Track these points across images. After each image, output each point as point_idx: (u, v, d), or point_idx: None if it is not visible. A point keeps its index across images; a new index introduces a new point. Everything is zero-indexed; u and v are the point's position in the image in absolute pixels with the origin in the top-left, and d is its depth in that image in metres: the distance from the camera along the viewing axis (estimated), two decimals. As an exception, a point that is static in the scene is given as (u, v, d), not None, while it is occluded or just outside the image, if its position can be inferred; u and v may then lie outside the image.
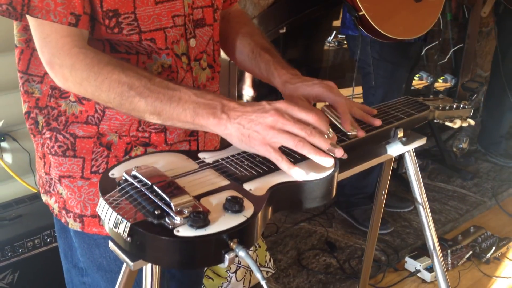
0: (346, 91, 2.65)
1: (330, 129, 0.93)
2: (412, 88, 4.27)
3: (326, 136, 0.91)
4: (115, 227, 0.78)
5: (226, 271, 2.24)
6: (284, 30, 2.57)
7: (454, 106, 1.22)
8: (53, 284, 1.90)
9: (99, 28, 0.98)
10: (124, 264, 0.93)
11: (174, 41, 1.04)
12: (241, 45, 1.21)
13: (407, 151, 1.18)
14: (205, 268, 2.15)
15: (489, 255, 2.53)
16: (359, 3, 2.12)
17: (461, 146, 3.37)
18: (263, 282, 0.77)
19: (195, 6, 1.06)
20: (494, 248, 2.56)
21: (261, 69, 1.17)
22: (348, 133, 1.03)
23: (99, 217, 0.92)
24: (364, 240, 2.64)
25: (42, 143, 1.10)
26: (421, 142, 1.18)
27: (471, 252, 2.53)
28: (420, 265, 2.43)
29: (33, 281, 1.89)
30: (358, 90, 2.66)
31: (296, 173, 0.88)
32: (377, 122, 1.07)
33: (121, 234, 0.78)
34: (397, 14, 2.23)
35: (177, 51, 1.04)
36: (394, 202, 2.91)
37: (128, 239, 0.78)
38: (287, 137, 0.88)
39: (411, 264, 2.47)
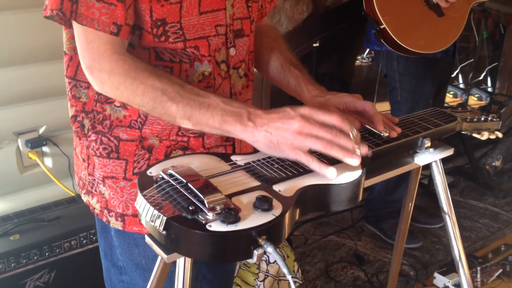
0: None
1: (353, 128, 0.97)
2: (446, 105, 4.26)
3: (350, 135, 0.96)
4: (152, 221, 0.83)
5: (255, 279, 2.27)
6: (318, 44, 2.62)
7: (482, 119, 1.24)
8: (87, 284, 1.97)
9: (146, 36, 1.04)
10: (158, 258, 0.99)
11: (216, 49, 1.09)
12: (270, 59, 1.26)
13: (434, 161, 1.21)
14: (235, 273, 2.19)
15: (519, 273, 2.51)
16: (380, 16, 2.15)
17: (494, 164, 3.34)
18: (289, 277, 0.81)
19: (235, 17, 1.12)
20: (524, 267, 2.54)
21: (290, 83, 1.22)
22: (381, 134, 1.08)
23: (139, 215, 0.98)
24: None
25: (87, 145, 1.16)
26: (448, 152, 1.21)
27: (501, 270, 2.51)
28: (449, 282, 2.42)
29: (69, 281, 1.96)
30: (386, 106, 2.68)
31: (328, 172, 0.93)
32: (398, 129, 1.11)
33: (157, 228, 0.83)
34: (418, 28, 2.25)
35: (217, 58, 1.10)
36: (424, 217, 2.90)
37: (164, 232, 0.82)
38: (315, 141, 0.92)
39: (440, 280, 2.46)
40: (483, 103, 4.18)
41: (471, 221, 2.95)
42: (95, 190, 1.17)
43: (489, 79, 4.18)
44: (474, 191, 3.27)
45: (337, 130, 0.94)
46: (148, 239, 0.90)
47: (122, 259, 1.22)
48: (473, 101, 4.35)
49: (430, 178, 3.23)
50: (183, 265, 0.93)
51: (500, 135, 1.27)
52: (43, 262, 1.91)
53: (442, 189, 1.23)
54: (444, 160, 3.68)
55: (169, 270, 1.03)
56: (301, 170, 0.96)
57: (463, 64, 4.34)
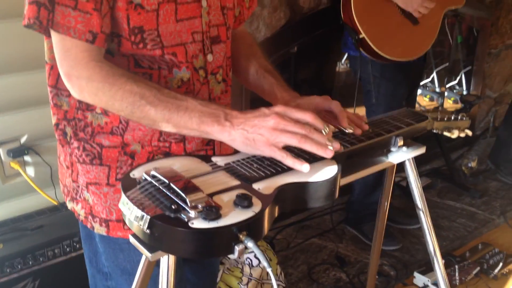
0: (352, 111, 2.73)
1: (326, 125, 1.02)
2: (423, 109, 4.35)
3: (323, 132, 1.01)
4: (136, 221, 0.86)
5: (238, 283, 2.30)
6: (295, 50, 2.67)
7: (452, 118, 1.30)
8: (71, 292, 1.99)
9: (125, 44, 1.07)
10: (142, 259, 1.02)
11: (194, 55, 1.13)
12: (246, 65, 1.31)
13: (408, 160, 1.26)
14: (219, 278, 2.22)
15: (496, 271, 2.56)
16: (359, 26, 2.22)
17: (470, 165, 3.42)
18: (269, 270, 0.85)
19: (211, 24, 1.15)
20: (501, 264, 2.60)
21: (265, 89, 1.28)
22: (346, 130, 1.13)
23: (123, 221, 1.00)
24: (373, 256, 2.69)
25: (70, 152, 1.18)
26: (420, 151, 1.25)
27: (478, 268, 2.56)
28: (428, 280, 2.46)
29: (53, 289, 1.97)
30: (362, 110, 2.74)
31: (302, 167, 0.97)
32: (364, 126, 1.17)
33: (141, 227, 0.86)
34: (395, 36, 2.32)
35: (195, 65, 1.13)
36: (403, 218, 2.96)
37: (148, 231, 0.85)
38: (290, 136, 0.97)
39: (419, 279, 2.51)
40: (458, 106, 4.27)
41: (449, 221, 3.01)
42: (79, 197, 1.19)
43: (464, 82, 4.27)
44: (451, 192, 3.34)
45: (310, 127, 0.98)
46: (132, 239, 0.93)
47: (108, 265, 1.24)
48: (449, 104, 4.44)
49: (408, 179, 3.29)
50: (167, 264, 0.96)
51: (469, 133, 1.32)
52: (27, 271, 1.91)
53: (416, 186, 1.28)
54: (421, 162, 3.77)
55: (154, 273, 1.05)
56: (280, 169, 1.00)
57: (438, 68, 4.43)
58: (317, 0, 2.71)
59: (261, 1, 2.50)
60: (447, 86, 4.45)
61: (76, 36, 1.01)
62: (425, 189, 3.36)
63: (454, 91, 4.38)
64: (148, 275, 1.02)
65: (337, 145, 1.01)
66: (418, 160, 3.54)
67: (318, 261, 2.65)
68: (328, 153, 0.99)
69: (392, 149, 1.21)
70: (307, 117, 1.00)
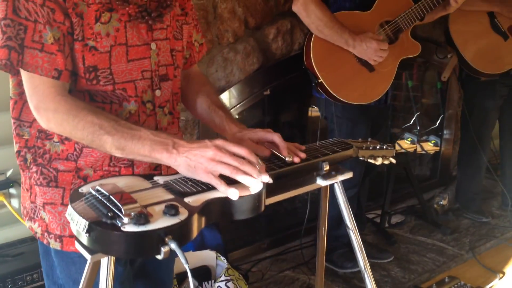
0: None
1: (259, 160, 1.17)
2: (404, 151, 4.52)
3: (257, 165, 1.15)
4: (77, 226, 1.02)
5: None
6: (268, 93, 2.86)
7: (378, 147, 1.46)
8: (47, 315, 2.10)
9: (80, 81, 1.24)
10: (87, 262, 1.16)
11: (143, 90, 1.30)
12: (199, 102, 1.48)
13: (336, 183, 1.41)
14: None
15: (462, 303, 2.68)
16: (317, 72, 2.43)
17: (441, 203, 3.57)
18: (186, 266, 1.00)
19: (160, 64, 1.33)
20: (466, 296, 2.71)
21: (216, 122, 1.44)
22: (286, 159, 1.29)
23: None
24: (343, 287, 2.81)
25: (29, 176, 1.33)
26: (347, 175, 1.41)
27: (444, 300, 2.68)
28: (394, 311, 2.58)
29: (30, 312, 2.09)
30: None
31: (232, 194, 1.11)
32: (302, 155, 1.32)
33: (82, 231, 1.01)
34: (352, 82, 2.51)
35: (144, 99, 1.30)
36: (375, 253, 3.08)
37: (87, 234, 1.00)
38: (224, 167, 1.12)
39: (386, 310, 2.62)
40: (437, 148, 4.44)
41: (419, 256, 3.13)
42: (37, 216, 1.33)
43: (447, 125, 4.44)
44: (423, 229, 3.47)
45: (244, 160, 1.14)
46: (77, 244, 1.08)
47: (62, 277, 1.37)
48: (429, 147, 4.60)
49: (383, 217, 3.44)
50: (106, 265, 1.10)
51: (393, 161, 1.48)
52: (6, 294, 2.05)
53: (345, 207, 1.42)
54: (397, 201, 3.91)
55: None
56: (211, 186, 1.16)
57: (418, 113, 4.61)
58: (289, 47, 2.92)
59: (235, 47, 2.71)
60: (428, 130, 4.62)
61: (43, 74, 1.18)
62: (398, 225, 3.50)
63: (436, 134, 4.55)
64: (92, 278, 1.16)
65: (266, 178, 1.14)
66: (394, 199, 3.70)
67: (290, 292, 2.76)
68: (256, 185, 1.12)
69: (320, 172, 1.37)
70: (242, 151, 1.15)
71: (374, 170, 3.02)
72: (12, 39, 1.15)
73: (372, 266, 2.98)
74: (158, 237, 0.99)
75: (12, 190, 2.33)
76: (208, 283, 2.56)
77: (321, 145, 1.43)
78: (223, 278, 2.48)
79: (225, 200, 1.13)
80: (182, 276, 2.56)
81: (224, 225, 2.94)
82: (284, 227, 3.31)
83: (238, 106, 2.77)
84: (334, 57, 2.47)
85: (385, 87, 2.59)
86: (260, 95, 2.86)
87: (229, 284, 2.46)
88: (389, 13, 2.55)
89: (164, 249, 0.99)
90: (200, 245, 2.72)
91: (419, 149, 4.54)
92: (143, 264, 1.50)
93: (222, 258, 2.63)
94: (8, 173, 2.31)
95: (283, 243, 3.20)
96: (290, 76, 2.91)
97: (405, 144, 4.73)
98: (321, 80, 2.41)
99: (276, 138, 1.34)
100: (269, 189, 1.22)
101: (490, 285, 2.89)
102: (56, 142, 1.28)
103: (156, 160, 1.18)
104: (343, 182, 2.69)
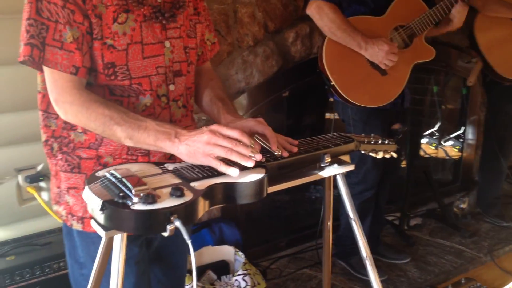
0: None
1: (252, 141, 1.26)
2: (428, 156, 4.55)
3: (250, 146, 1.24)
4: (93, 205, 1.13)
5: (226, 303, 2.50)
6: (287, 94, 2.95)
7: (379, 141, 1.53)
8: (72, 301, 2.23)
9: (100, 77, 1.35)
10: (102, 239, 1.27)
11: (158, 85, 1.40)
12: (204, 95, 1.58)
13: (339, 175, 1.49)
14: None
15: (477, 303, 2.71)
16: (329, 75, 2.51)
17: (461, 206, 3.59)
18: (188, 242, 1.09)
19: (174, 61, 1.43)
20: (483, 297, 2.74)
21: (214, 113, 1.53)
22: (275, 153, 1.35)
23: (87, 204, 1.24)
24: (360, 286, 2.87)
25: (55, 163, 1.45)
26: (349, 167, 1.48)
27: (459, 301, 2.71)
28: (409, 309, 2.62)
29: (56, 298, 2.22)
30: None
31: (232, 172, 1.21)
32: (293, 149, 1.38)
33: (96, 209, 1.12)
34: (363, 85, 2.57)
35: (159, 92, 1.41)
36: (392, 254, 3.13)
37: (101, 212, 1.11)
38: (219, 149, 1.22)
39: (401, 308, 2.67)
40: (459, 154, 4.45)
41: (437, 258, 3.16)
42: (62, 200, 1.45)
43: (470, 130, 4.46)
44: (443, 231, 3.50)
45: (237, 141, 1.23)
46: (92, 222, 1.19)
47: (82, 256, 1.48)
48: (454, 152, 4.62)
49: (402, 219, 3.48)
50: (119, 241, 1.21)
51: (394, 155, 1.55)
52: (35, 281, 2.17)
53: (347, 198, 1.50)
54: (418, 204, 3.95)
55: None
56: (216, 172, 1.25)
57: (441, 118, 4.63)
58: (308, 50, 3.01)
59: (255, 50, 2.82)
60: (454, 135, 4.64)
61: (62, 70, 1.29)
62: (417, 228, 3.53)
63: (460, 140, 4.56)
64: (107, 254, 1.27)
65: (259, 156, 1.23)
66: (414, 202, 3.72)
67: (307, 289, 2.84)
68: (249, 164, 1.21)
69: (323, 164, 1.45)
70: (235, 133, 1.24)
71: (394, 174, 3.06)
72: (34, 38, 1.27)
73: (389, 266, 3.04)
74: (164, 216, 1.09)
75: (42, 184, 2.46)
76: (226, 277, 2.66)
77: (323, 138, 1.51)
78: (240, 272, 2.57)
79: (228, 185, 1.22)
80: (201, 270, 2.67)
81: (244, 223, 3.03)
82: (303, 227, 3.39)
83: (257, 107, 2.87)
84: (347, 61, 2.54)
85: (397, 91, 2.63)
86: (279, 97, 2.95)
87: (246, 278, 2.55)
88: (403, 18, 2.61)
89: (169, 227, 1.09)
90: (219, 240, 2.83)
91: (441, 153, 4.57)
92: (158, 249, 1.60)
93: (240, 253, 2.73)
94: (39, 167, 2.44)
95: (302, 243, 3.28)
96: (308, 79, 2.99)
97: (429, 149, 4.76)
98: (333, 82, 2.49)
99: (267, 131, 1.38)
100: (272, 178, 1.31)
101: (507, 287, 2.91)
102: (80, 133, 1.40)
103: (160, 149, 1.28)
104: (361, 185, 2.79)
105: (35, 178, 2.43)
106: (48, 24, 1.27)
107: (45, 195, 2.48)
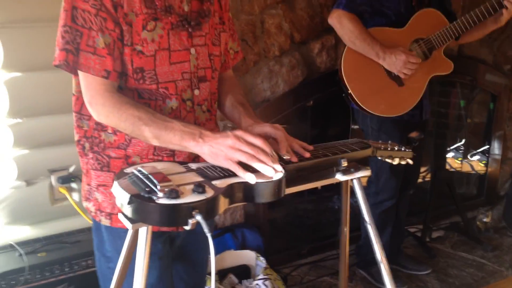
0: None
1: (273, 151, 1.32)
2: (453, 170, 4.54)
3: (271, 155, 1.30)
4: (121, 199, 1.21)
5: (247, 307, 2.56)
6: (311, 104, 3.01)
7: (396, 148, 1.59)
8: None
9: (129, 81, 1.43)
10: (129, 231, 1.35)
11: (183, 89, 1.49)
12: (226, 101, 1.65)
13: (355, 179, 1.54)
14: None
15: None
16: (346, 83, 2.57)
17: (484, 220, 3.58)
18: (208, 235, 1.16)
19: (199, 67, 1.51)
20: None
21: (235, 117, 1.60)
22: (284, 157, 1.40)
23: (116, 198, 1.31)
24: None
25: (87, 162, 1.53)
26: (366, 173, 1.54)
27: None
28: (427, 319, 2.64)
29: (84, 294, 2.30)
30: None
31: (248, 177, 1.27)
32: (306, 155, 1.43)
33: (124, 203, 1.20)
34: (379, 94, 2.62)
35: (184, 97, 1.49)
36: (412, 265, 3.15)
37: (128, 205, 1.19)
38: (241, 154, 1.28)
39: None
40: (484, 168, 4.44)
41: (458, 270, 3.17)
42: (92, 196, 1.54)
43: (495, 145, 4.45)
44: (465, 245, 3.50)
45: (259, 149, 1.29)
46: (120, 215, 1.27)
47: (110, 250, 1.56)
48: (480, 167, 4.60)
49: (424, 230, 3.49)
50: (145, 234, 1.29)
51: (410, 162, 1.60)
52: (64, 277, 2.27)
53: (363, 202, 1.55)
54: (441, 217, 3.95)
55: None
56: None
57: (466, 132, 4.62)
58: (333, 61, 3.07)
59: (281, 60, 2.89)
60: (480, 150, 4.63)
61: (95, 73, 1.38)
62: (439, 240, 3.54)
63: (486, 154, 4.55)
64: (133, 246, 1.34)
65: (278, 167, 1.28)
66: (437, 215, 3.72)
67: (327, 297, 2.88)
68: (268, 172, 1.26)
69: (340, 168, 1.51)
70: (258, 142, 1.30)
71: (413, 184, 3.09)
72: (69, 43, 1.36)
73: (409, 277, 3.06)
74: (186, 210, 1.16)
75: (74, 185, 2.56)
76: (247, 281, 2.72)
77: (341, 143, 1.57)
78: (261, 276, 2.63)
79: (247, 185, 1.29)
80: (223, 273, 2.73)
81: (267, 230, 3.09)
82: (325, 236, 3.43)
83: (281, 115, 2.93)
84: (364, 70, 2.60)
85: (413, 101, 2.66)
86: (303, 106, 3.02)
87: (267, 282, 2.61)
88: (423, 31, 2.64)
89: (191, 221, 1.16)
90: (241, 245, 2.89)
91: (466, 168, 4.56)
92: (181, 247, 1.68)
93: (262, 258, 2.79)
94: (71, 169, 2.55)
95: (323, 251, 3.32)
96: (333, 89, 3.04)
97: (455, 163, 4.76)
98: (350, 91, 2.55)
99: (278, 135, 1.44)
100: (290, 180, 1.38)
101: (528, 301, 2.91)
102: (110, 133, 1.49)
103: (185, 148, 1.35)
104: (380, 195, 2.82)
105: (67, 179, 2.54)
106: (82, 30, 1.36)
107: (76, 195, 2.58)
